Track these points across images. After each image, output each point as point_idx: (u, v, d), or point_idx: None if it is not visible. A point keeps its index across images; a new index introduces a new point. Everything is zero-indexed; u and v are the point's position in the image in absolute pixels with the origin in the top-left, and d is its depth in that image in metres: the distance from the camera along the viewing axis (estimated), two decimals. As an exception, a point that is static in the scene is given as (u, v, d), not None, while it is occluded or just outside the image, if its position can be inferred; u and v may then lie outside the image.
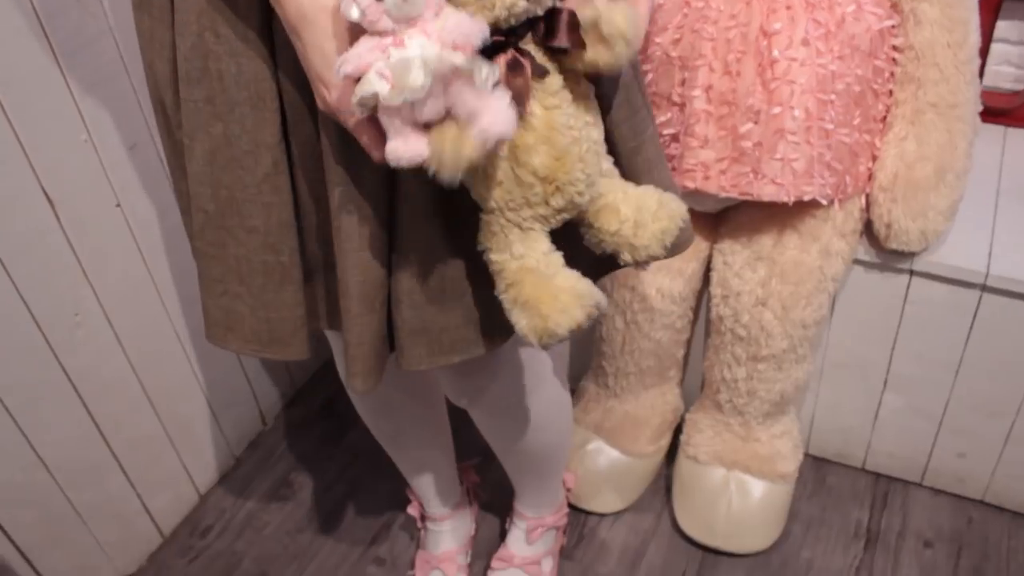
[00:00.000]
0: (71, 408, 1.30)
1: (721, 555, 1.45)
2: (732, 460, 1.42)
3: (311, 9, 0.70)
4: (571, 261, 0.84)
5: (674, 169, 1.25)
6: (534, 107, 0.74)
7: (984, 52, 1.51)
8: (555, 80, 0.75)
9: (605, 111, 0.85)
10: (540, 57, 0.75)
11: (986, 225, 1.37)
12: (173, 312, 1.44)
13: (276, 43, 0.78)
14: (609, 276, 1.14)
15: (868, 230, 1.35)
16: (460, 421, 1.28)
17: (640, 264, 0.85)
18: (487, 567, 1.42)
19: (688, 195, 1.27)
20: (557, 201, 0.78)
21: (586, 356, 1.58)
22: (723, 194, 1.24)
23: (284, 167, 0.83)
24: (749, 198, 1.23)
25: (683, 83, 1.23)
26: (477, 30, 0.67)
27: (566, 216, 0.80)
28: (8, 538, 1.25)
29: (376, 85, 0.66)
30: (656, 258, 0.84)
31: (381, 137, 0.71)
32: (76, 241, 1.24)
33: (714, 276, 1.37)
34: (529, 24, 0.73)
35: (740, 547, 1.43)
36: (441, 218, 0.84)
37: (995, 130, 1.57)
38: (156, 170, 1.34)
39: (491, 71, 0.68)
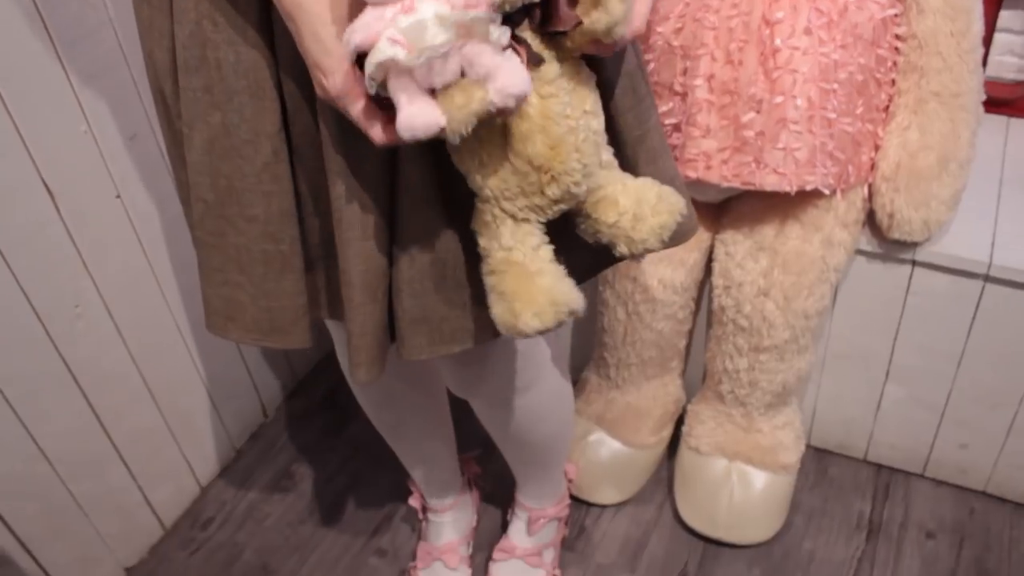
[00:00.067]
0: (72, 400, 1.30)
1: (723, 546, 1.45)
2: (734, 451, 1.42)
3: None
4: (569, 257, 0.83)
5: (676, 159, 1.25)
6: (530, 96, 0.74)
7: (987, 42, 1.50)
8: (552, 68, 0.74)
9: (609, 99, 0.85)
10: (536, 45, 0.74)
11: (989, 215, 1.37)
12: (173, 304, 1.43)
13: (275, 32, 0.78)
14: (611, 266, 1.14)
15: (870, 220, 1.35)
16: (461, 412, 1.28)
17: (636, 256, 0.84)
18: (489, 558, 1.42)
19: (690, 185, 1.27)
20: (553, 191, 0.77)
21: (588, 347, 1.58)
22: (725, 184, 1.24)
23: (284, 156, 0.83)
24: (751, 188, 1.23)
25: (685, 72, 1.23)
26: None
27: (563, 207, 0.80)
28: (9, 530, 1.25)
29: (390, 51, 0.65)
30: (652, 251, 0.84)
31: (383, 120, 0.70)
32: (76, 233, 1.23)
33: (716, 266, 1.37)
34: (525, 11, 0.72)
35: (742, 538, 1.43)
36: (442, 207, 0.84)
37: (998, 120, 1.56)
38: (156, 161, 1.34)
39: (502, 31, 0.68)
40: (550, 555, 1.41)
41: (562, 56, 0.76)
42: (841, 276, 1.35)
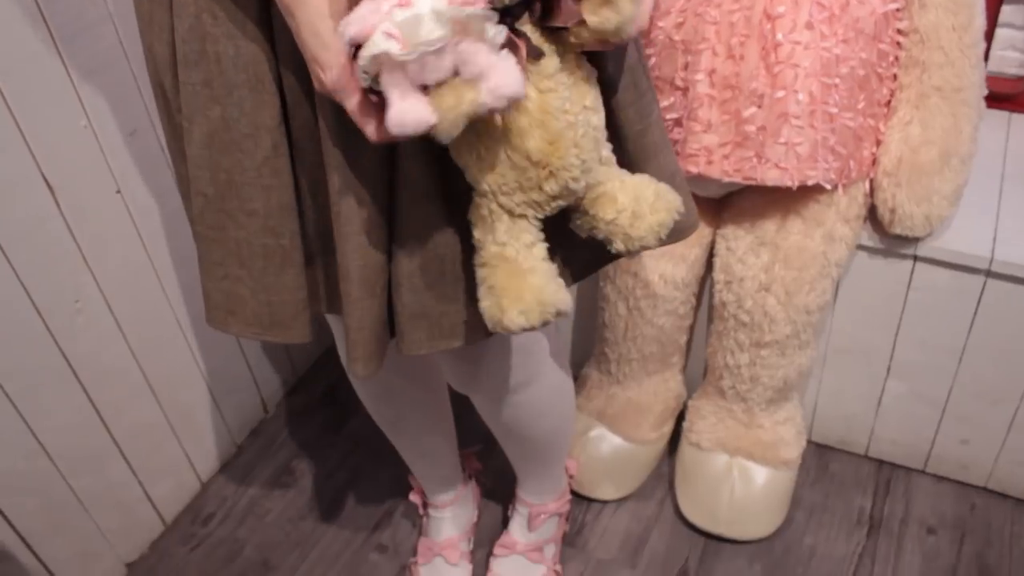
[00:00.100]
0: (72, 395, 1.29)
1: (724, 542, 1.45)
2: (735, 447, 1.42)
3: None
4: (569, 253, 0.83)
5: (677, 154, 1.25)
6: (528, 90, 0.73)
7: (989, 37, 1.50)
8: (551, 62, 0.74)
9: (611, 94, 0.84)
10: (536, 38, 0.74)
11: (990, 210, 1.36)
12: (174, 299, 1.43)
13: (274, 26, 0.78)
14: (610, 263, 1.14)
15: (872, 215, 1.35)
16: (462, 408, 1.28)
17: (631, 253, 0.84)
18: (489, 554, 1.42)
19: (691, 180, 1.26)
20: (551, 187, 0.77)
21: (588, 342, 1.57)
22: (726, 179, 1.23)
23: (284, 150, 0.83)
24: (752, 183, 1.22)
25: (686, 67, 1.22)
26: None
27: (561, 203, 0.80)
28: (10, 525, 1.25)
29: (384, 44, 0.64)
30: (648, 249, 0.84)
31: (378, 116, 0.70)
32: (76, 227, 1.23)
33: (717, 262, 1.37)
34: (525, 4, 0.72)
35: (743, 534, 1.43)
36: (441, 202, 0.83)
37: (999, 116, 1.56)
38: (156, 156, 1.34)
39: (498, 30, 0.67)
40: (551, 551, 1.41)
41: (562, 50, 0.76)
42: (842, 271, 1.35)
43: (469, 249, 0.84)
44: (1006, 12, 1.52)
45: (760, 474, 1.42)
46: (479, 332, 0.90)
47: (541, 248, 0.81)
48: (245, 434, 1.71)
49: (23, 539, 1.27)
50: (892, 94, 1.28)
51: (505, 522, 1.44)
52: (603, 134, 0.81)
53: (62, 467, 1.30)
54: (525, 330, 0.77)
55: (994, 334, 1.34)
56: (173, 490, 1.55)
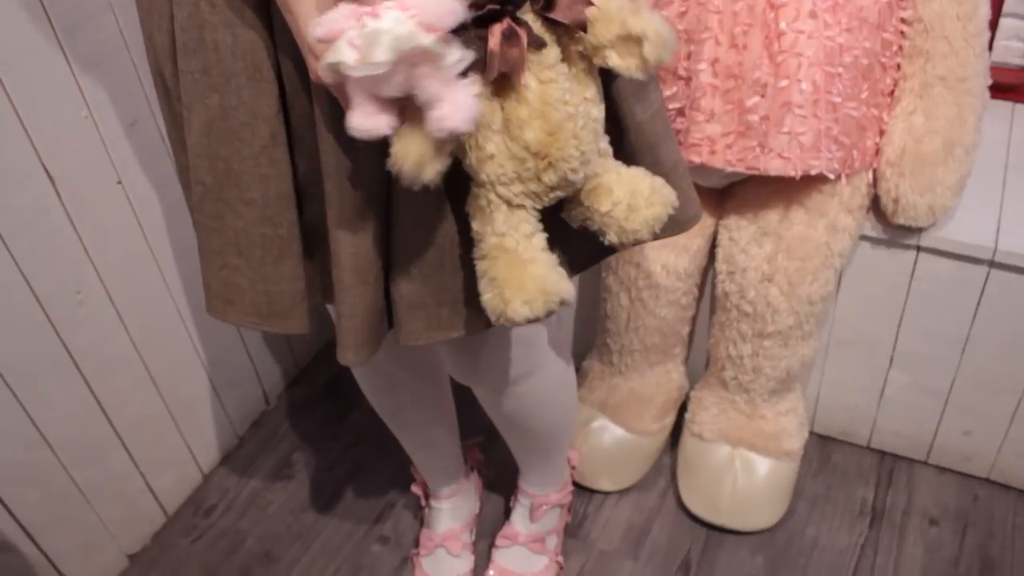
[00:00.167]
0: (73, 386, 1.29)
1: (726, 533, 1.45)
2: (737, 438, 1.42)
3: None
4: (568, 245, 0.83)
5: (680, 144, 1.24)
6: (529, 80, 0.73)
7: (993, 27, 1.49)
8: (552, 53, 0.74)
9: (612, 83, 0.84)
10: (538, 28, 0.73)
11: (994, 201, 1.36)
12: (175, 290, 1.43)
13: (273, 15, 0.77)
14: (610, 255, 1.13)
15: (875, 206, 1.34)
16: (464, 399, 1.27)
17: (625, 246, 0.84)
18: (491, 545, 1.42)
19: (694, 170, 1.26)
20: (550, 178, 0.77)
21: (590, 333, 1.57)
22: (729, 168, 1.23)
23: (282, 139, 0.83)
24: (755, 172, 1.22)
25: (689, 56, 1.22)
26: (448, 13, 0.65)
27: (559, 194, 0.80)
28: (12, 516, 1.25)
29: (343, 54, 0.65)
30: (642, 242, 0.84)
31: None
32: (77, 218, 1.23)
33: (720, 252, 1.36)
34: None
35: (745, 525, 1.43)
36: (440, 192, 0.83)
37: (1003, 106, 1.55)
38: (157, 147, 1.33)
39: (462, 57, 0.66)
40: (553, 542, 1.41)
41: (562, 42, 0.75)
42: (845, 262, 1.35)
43: (468, 240, 0.83)
44: (1010, 2, 1.51)
45: (762, 465, 1.41)
46: (479, 323, 0.90)
47: (541, 238, 0.80)
48: (247, 426, 1.71)
49: (25, 530, 1.27)
50: (896, 83, 1.28)
51: (507, 513, 1.44)
52: (602, 126, 0.81)
53: (64, 458, 1.30)
54: (530, 321, 0.77)
55: (997, 325, 1.34)
56: (175, 482, 1.55)
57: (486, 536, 1.46)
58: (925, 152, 1.25)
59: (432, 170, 0.71)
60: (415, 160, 0.70)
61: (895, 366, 1.45)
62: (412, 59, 0.65)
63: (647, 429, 1.49)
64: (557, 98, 0.74)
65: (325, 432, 1.70)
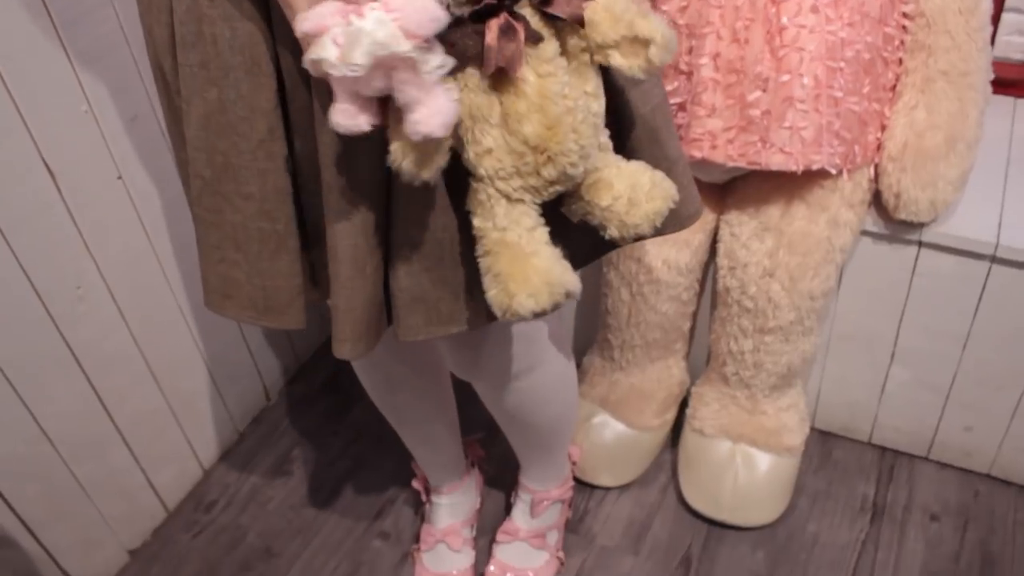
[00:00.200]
0: (74, 381, 1.29)
1: (727, 528, 1.45)
2: (738, 433, 1.42)
3: None
4: (568, 241, 0.83)
5: (681, 138, 1.24)
6: (527, 74, 0.73)
7: (995, 22, 1.49)
8: (550, 47, 0.74)
9: (613, 78, 0.84)
10: (536, 23, 0.73)
11: (996, 196, 1.36)
12: (175, 285, 1.43)
13: (272, 9, 0.77)
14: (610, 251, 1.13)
15: (876, 201, 1.34)
16: (465, 395, 1.27)
17: (626, 241, 0.84)
18: (492, 541, 1.42)
19: (695, 165, 1.26)
20: (549, 172, 0.77)
21: (591, 329, 1.57)
22: (730, 163, 1.23)
23: (280, 133, 0.83)
24: (757, 167, 1.22)
25: (690, 51, 1.22)
26: (430, 20, 0.65)
27: (559, 188, 0.79)
28: (12, 511, 1.25)
29: (326, 50, 0.65)
30: (643, 237, 0.84)
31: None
32: (77, 213, 1.23)
33: (721, 247, 1.36)
34: None
35: (746, 520, 1.43)
36: (440, 186, 0.83)
37: (1005, 101, 1.55)
38: (157, 142, 1.33)
39: (442, 62, 0.67)
40: (554, 537, 1.40)
41: (562, 35, 0.75)
42: (847, 257, 1.35)
43: (468, 235, 0.83)
44: (1012, -3, 1.51)
45: (763, 460, 1.41)
46: (479, 318, 0.90)
47: (543, 232, 0.80)
48: (247, 421, 1.71)
49: (25, 525, 1.27)
50: (897, 78, 1.27)
51: (508, 509, 1.44)
52: (602, 120, 0.81)
53: (64, 453, 1.30)
54: (536, 314, 0.77)
55: (999, 320, 1.34)
56: (175, 477, 1.55)
57: (487, 532, 1.46)
58: (927, 147, 1.25)
59: (430, 168, 0.71)
60: (413, 158, 0.70)
61: (896, 362, 1.45)
62: (390, 63, 0.65)
63: (648, 425, 1.49)
64: (556, 92, 0.74)
65: (325, 428, 1.70)
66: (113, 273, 1.31)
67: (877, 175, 1.30)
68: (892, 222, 1.32)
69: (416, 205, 0.83)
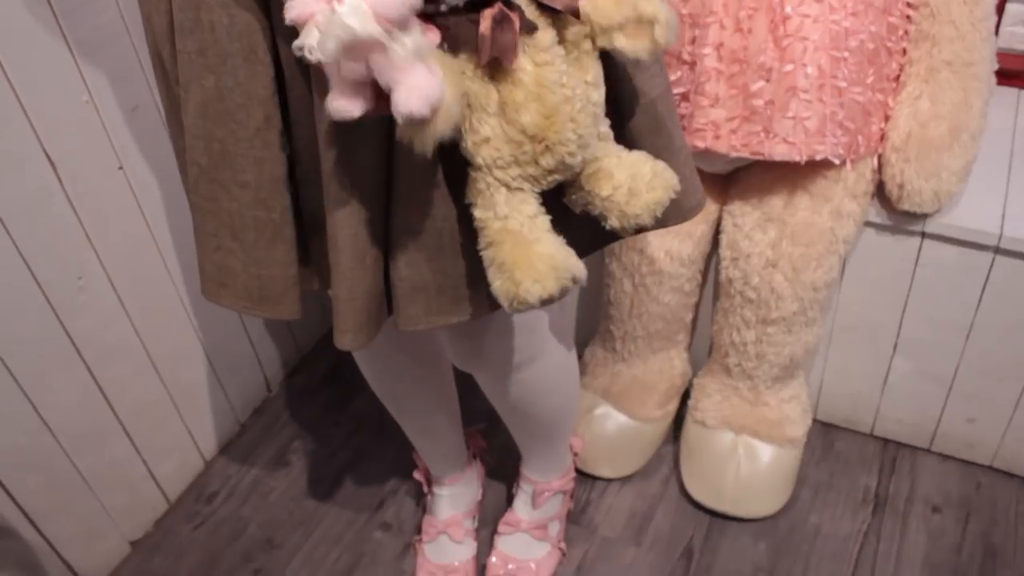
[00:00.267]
0: (75, 372, 1.29)
1: (729, 520, 1.45)
2: (740, 424, 1.42)
3: None
4: (569, 233, 0.82)
5: (684, 129, 1.24)
6: (525, 63, 0.73)
7: (999, 12, 1.48)
8: (546, 35, 0.73)
9: (612, 67, 0.83)
10: (531, 12, 0.73)
11: (999, 187, 1.35)
12: (176, 276, 1.43)
13: None
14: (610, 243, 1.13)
15: (880, 192, 1.34)
16: (467, 386, 1.27)
17: (626, 231, 0.84)
18: (494, 532, 1.42)
19: (698, 155, 1.26)
20: (547, 161, 0.76)
21: (593, 320, 1.57)
22: (734, 154, 1.22)
23: (276, 122, 0.82)
24: (760, 158, 1.21)
25: (693, 41, 1.21)
26: (399, 3, 0.64)
27: (558, 177, 0.79)
28: (14, 502, 1.25)
29: (309, 37, 0.66)
30: (644, 228, 0.83)
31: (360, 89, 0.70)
32: (78, 203, 1.22)
33: (723, 238, 1.36)
34: None
35: (748, 512, 1.43)
36: (440, 176, 0.83)
37: (1009, 92, 1.55)
38: (158, 132, 1.33)
39: (414, 43, 0.66)
40: (555, 528, 1.40)
41: (562, 24, 0.75)
42: (850, 248, 1.34)
43: (468, 225, 0.83)
44: (1017, -13, 1.50)
45: (765, 452, 1.41)
46: (480, 307, 0.90)
47: (544, 219, 0.80)
48: (248, 413, 1.71)
49: (27, 516, 1.27)
50: (901, 68, 1.27)
51: (510, 500, 1.44)
52: (602, 110, 0.81)
53: (65, 444, 1.30)
54: (543, 301, 0.76)
55: (1002, 311, 1.33)
56: (177, 468, 1.54)
57: (488, 523, 1.46)
58: (931, 137, 1.24)
59: (429, 142, 0.70)
60: (413, 135, 0.69)
61: (899, 353, 1.45)
62: (363, 48, 0.65)
63: (650, 416, 1.49)
64: (553, 81, 0.73)
65: (327, 419, 1.70)
66: (114, 263, 1.30)
67: (880, 165, 1.30)
68: (895, 213, 1.32)
69: (416, 195, 0.83)
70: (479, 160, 0.76)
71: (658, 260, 1.36)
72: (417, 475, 1.44)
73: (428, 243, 0.85)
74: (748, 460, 1.41)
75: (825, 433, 1.59)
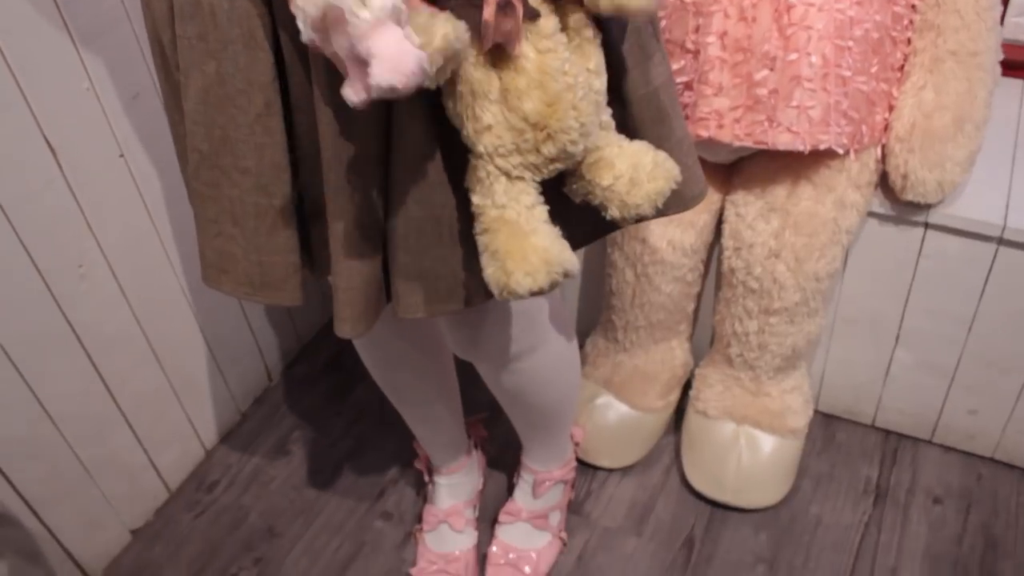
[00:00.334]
0: (76, 361, 1.29)
1: (730, 510, 1.45)
2: (742, 415, 1.42)
3: None
4: (566, 225, 0.82)
5: (687, 118, 1.23)
6: (527, 50, 0.72)
7: (1004, 2, 1.47)
8: (549, 22, 0.73)
9: (614, 55, 0.83)
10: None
11: (1003, 178, 1.35)
12: (177, 265, 1.42)
13: None
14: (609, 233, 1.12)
15: (883, 182, 1.33)
16: (468, 376, 1.27)
17: (627, 221, 0.83)
18: (495, 521, 1.42)
19: (701, 145, 1.25)
20: (548, 149, 0.76)
21: (595, 310, 1.57)
22: (737, 143, 1.22)
23: (277, 108, 0.82)
24: (764, 147, 1.21)
25: (697, 30, 1.21)
26: None
27: (559, 166, 0.79)
28: (15, 491, 1.25)
29: (297, 19, 0.65)
30: (645, 217, 0.83)
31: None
32: (79, 191, 1.22)
33: (726, 228, 1.35)
34: None
35: (749, 502, 1.43)
36: (439, 164, 0.82)
37: (1013, 83, 1.54)
38: (159, 120, 1.32)
39: (381, 7, 0.62)
40: (556, 518, 1.40)
41: (564, 11, 0.74)
42: (853, 238, 1.34)
43: (467, 213, 0.83)
44: (1022, -23, 1.50)
45: (767, 442, 1.41)
46: (478, 296, 0.89)
47: (542, 210, 0.80)
48: (249, 402, 1.71)
49: (28, 505, 1.27)
50: (906, 58, 1.27)
51: (510, 489, 1.44)
52: (604, 98, 0.80)
53: (67, 433, 1.30)
54: (533, 293, 0.76)
55: (1005, 303, 1.33)
56: (178, 457, 1.54)
57: (489, 512, 1.46)
58: (935, 127, 1.24)
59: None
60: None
61: (901, 344, 1.45)
62: (334, 20, 0.63)
63: (651, 406, 1.49)
64: (556, 68, 0.73)
65: (328, 408, 1.70)
66: (115, 252, 1.30)
67: (884, 156, 1.29)
68: (899, 203, 1.32)
69: (416, 182, 0.82)
70: (480, 148, 0.76)
71: (660, 250, 1.36)
72: (418, 464, 1.44)
73: (427, 231, 0.85)
74: (749, 451, 1.41)
75: (826, 424, 1.59)
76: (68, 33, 1.15)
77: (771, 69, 1.16)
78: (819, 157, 1.26)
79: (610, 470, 1.52)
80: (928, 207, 1.30)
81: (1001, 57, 1.28)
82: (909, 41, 1.25)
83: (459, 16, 0.70)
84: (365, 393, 1.69)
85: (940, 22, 1.22)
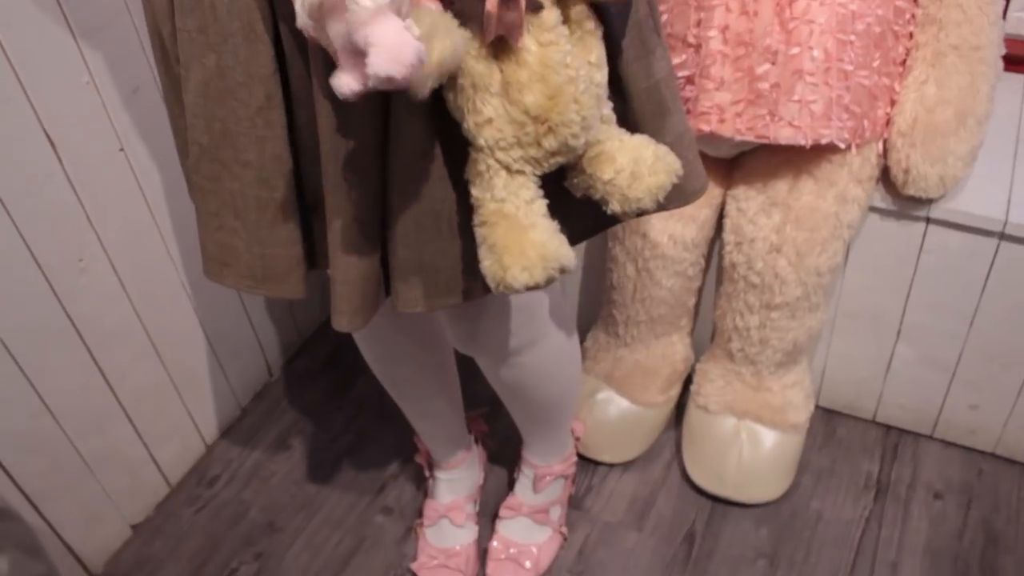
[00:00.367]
0: (76, 355, 1.29)
1: (731, 505, 1.45)
2: (743, 410, 1.42)
3: None
4: (566, 219, 0.82)
5: (689, 112, 1.23)
6: (529, 43, 0.72)
7: (1006, -4, 1.47)
8: (551, 15, 0.73)
9: (615, 49, 0.83)
10: None
11: (1005, 173, 1.35)
12: (177, 259, 1.42)
13: None
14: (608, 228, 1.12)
15: (885, 177, 1.33)
16: (469, 370, 1.27)
17: (627, 215, 0.83)
18: (495, 516, 1.42)
19: (702, 139, 1.25)
20: (550, 143, 0.76)
21: (596, 305, 1.56)
22: (739, 137, 1.22)
23: (278, 101, 0.82)
24: (765, 141, 1.21)
25: (699, 24, 1.20)
26: None
27: (560, 160, 0.79)
28: (16, 485, 1.25)
29: (296, 11, 0.65)
30: (645, 212, 0.83)
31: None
32: (79, 186, 1.22)
33: (727, 222, 1.35)
34: None
35: (750, 497, 1.43)
36: (438, 157, 0.82)
37: (1016, 79, 1.54)
38: (160, 114, 1.32)
39: (375, 4, 0.62)
40: (557, 512, 1.40)
41: (566, 3, 0.74)
42: (854, 233, 1.34)
43: (466, 207, 0.83)
44: (1024, -28, 1.49)
45: (768, 437, 1.41)
46: (477, 289, 0.89)
47: (541, 204, 0.79)
48: (250, 397, 1.71)
49: (29, 499, 1.27)
50: (908, 52, 1.26)
51: (511, 484, 1.44)
52: (605, 91, 0.80)
53: (67, 428, 1.30)
54: (529, 288, 0.76)
55: (1006, 298, 1.33)
56: (178, 452, 1.54)
57: (490, 507, 1.46)
58: (937, 122, 1.24)
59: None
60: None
61: (902, 339, 1.45)
62: (332, 9, 0.63)
63: (652, 401, 1.49)
64: (558, 61, 0.73)
65: (328, 403, 1.70)
66: (115, 246, 1.30)
67: (886, 150, 1.29)
68: (900, 198, 1.31)
69: (414, 176, 0.82)
70: (481, 141, 0.76)
71: (661, 244, 1.36)
72: (418, 459, 1.44)
73: (426, 225, 0.85)
74: (750, 445, 1.41)
75: (827, 419, 1.59)
76: (68, 27, 1.14)
77: (773, 63, 1.16)
78: (821, 152, 1.26)
79: (611, 465, 1.52)
80: (930, 202, 1.30)
81: (1003, 52, 1.28)
82: (911, 35, 1.25)
83: (462, 7, 0.70)
84: (366, 388, 1.69)
85: (942, 16, 1.22)
